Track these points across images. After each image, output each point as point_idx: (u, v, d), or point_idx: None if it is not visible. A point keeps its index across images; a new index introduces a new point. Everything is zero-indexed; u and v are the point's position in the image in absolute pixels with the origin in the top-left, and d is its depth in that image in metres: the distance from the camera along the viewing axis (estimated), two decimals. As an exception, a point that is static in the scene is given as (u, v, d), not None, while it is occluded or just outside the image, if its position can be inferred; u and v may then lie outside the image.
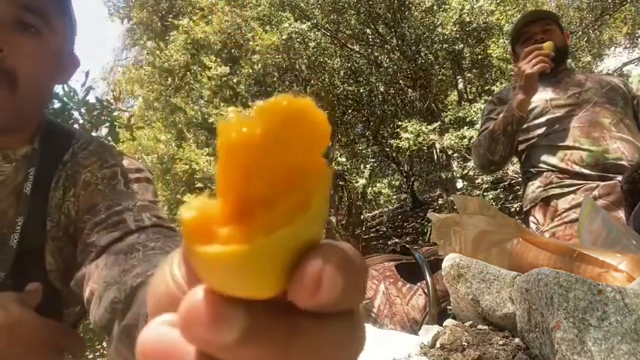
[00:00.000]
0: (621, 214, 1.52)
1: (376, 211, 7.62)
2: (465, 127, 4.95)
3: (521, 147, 1.95)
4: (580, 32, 6.28)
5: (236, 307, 0.16)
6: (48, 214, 0.75)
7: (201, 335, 0.16)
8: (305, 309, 0.17)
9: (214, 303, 0.16)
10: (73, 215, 0.75)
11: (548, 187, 1.80)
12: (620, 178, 1.56)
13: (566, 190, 1.75)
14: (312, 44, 6.20)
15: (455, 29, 5.47)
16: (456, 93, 6.76)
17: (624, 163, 1.67)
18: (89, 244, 0.65)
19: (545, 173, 1.83)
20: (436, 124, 5.12)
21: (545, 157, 1.84)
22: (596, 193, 1.69)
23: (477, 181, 5.80)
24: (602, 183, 1.69)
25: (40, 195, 0.75)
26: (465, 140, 4.85)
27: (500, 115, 1.80)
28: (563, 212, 1.73)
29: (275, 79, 6.63)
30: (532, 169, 1.89)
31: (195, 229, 0.16)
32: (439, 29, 5.58)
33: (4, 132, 0.72)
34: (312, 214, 0.16)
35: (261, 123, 0.16)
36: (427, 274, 1.54)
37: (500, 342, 0.93)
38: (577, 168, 1.74)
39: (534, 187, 1.85)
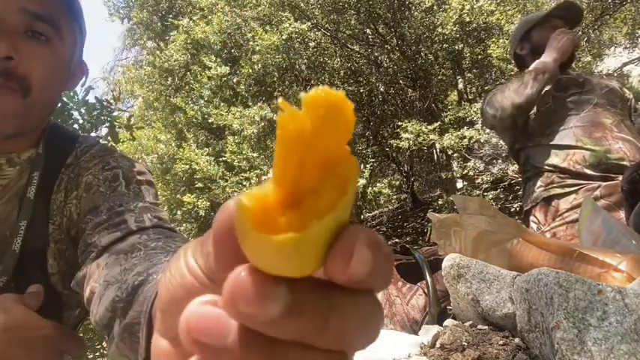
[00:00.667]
0: (623, 214, 1.52)
1: (376, 211, 7.62)
2: (465, 127, 4.94)
3: (519, 145, 1.95)
4: (580, 32, 6.28)
5: (279, 283, 0.17)
6: (50, 216, 0.76)
7: (247, 311, 0.17)
8: (339, 284, 0.18)
9: (259, 280, 0.17)
10: (75, 217, 0.75)
11: (550, 186, 1.80)
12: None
13: (567, 190, 1.75)
14: (312, 44, 6.20)
15: (455, 29, 5.47)
16: (456, 93, 6.76)
17: (626, 163, 1.67)
18: (90, 244, 0.65)
19: (546, 173, 1.83)
20: (436, 124, 5.12)
21: (546, 157, 1.83)
22: (597, 193, 1.69)
23: (477, 181, 5.80)
24: (604, 183, 1.69)
25: (42, 198, 0.75)
26: (465, 140, 4.85)
27: (529, 68, 1.79)
28: (564, 212, 1.73)
29: (275, 79, 6.63)
30: (532, 169, 1.89)
31: (254, 216, 0.17)
32: (439, 29, 5.58)
33: (12, 136, 0.73)
34: (348, 198, 0.18)
35: (310, 115, 0.17)
36: (427, 274, 1.54)
37: (500, 342, 0.93)
38: (579, 168, 1.74)
39: (535, 187, 1.85)
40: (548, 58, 1.77)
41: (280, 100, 0.17)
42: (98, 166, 0.78)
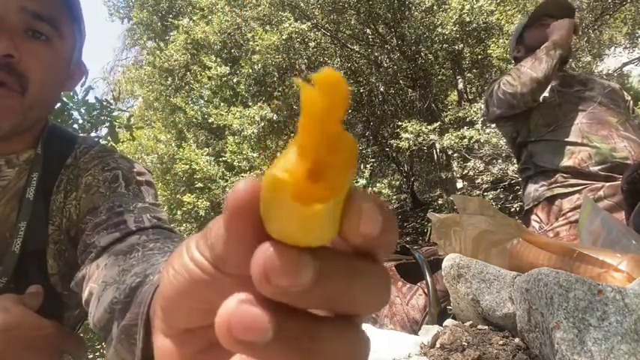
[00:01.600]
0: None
1: (376, 211, 7.59)
2: (465, 127, 4.95)
3: (521, 139, 1.93)
4: (580, 32, 6.27)
5: (304, 252, 0.19)
6: (50, 217, 0.75)
7: (281, 283, 0.18)
8: (353, 253, 0.20)
9: (286, 252, 0.18)
10: (74, 218, 0.75)
11: (553, 186, 1.79)
12: (625, 178, 1.56)
13: (570, 189, 1.75)
14: (312, 44, 6.20)
15: (455, 29, 5.47)
16: (456, 93, 6.76)
17: (630, 162, 1.67)
18: (90, 245, 0.65)
19: (548, 172, 1.82)
20: (436, 124, 5.12)
21: (551, 155, 1.82)
22: (601, 193, 1.68)
23: (477, 181, 5.80)
24: (608, 184, 1.68)
25: (42, 199, 0.75)
26: (465, 140, 4.85)
27: (541, 47, 1.80)
28: (567, 212, 1.72)
29: (275, 79, 6.62)
30: (535, 167, 1.87)
31: (292, 187, 0.18)
32: (439, 29, 5.58)
33: (9, 135, 0.73)
34: (354, 170, 0.19)
35: (324, 93, 0.18)
36: (427, 274, 1.54)
37: (500, 342, 0.93)
38: (585, 166, 1.74)
39: (537, 186, 1.84)
40: (555, 36, 1.78)
41: (298, 79, 0.19)
42: (98, 167, 0.78)
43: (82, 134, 2.84)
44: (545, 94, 1.86)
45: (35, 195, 0.74)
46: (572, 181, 1.75)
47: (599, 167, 1.72)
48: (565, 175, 1.77)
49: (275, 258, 0.18)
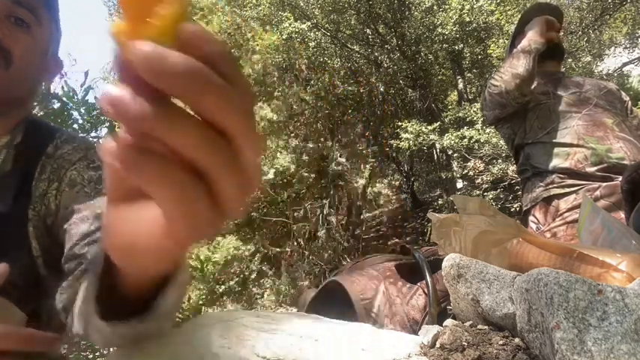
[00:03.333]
0: (623, 214, 1.52)
1: (376, 211, 7.62)
2: (465, 127, 4.95)
3: (518, 140, 1.94)
4: (580, 32, 6.28)
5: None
6: (31, 202, 0.75)
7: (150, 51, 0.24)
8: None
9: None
10: (52, 208, 0.75)
11: (549, 186, 1.79)
12: (622, 178, 1.56)
13: (567, 190, 1.75)
14: (312, 44, 6.21)
15: (455, 29, 5.48)
16: (456, 93, 6.76)
17: (626, 163, 1.67)
18: (80, 256, 0.65)
19: (545, 173, 1.82)
20: (436, 124, 5.12)
21: (547, 156, 1.83)
22: (598, 193, 1.68)
23: (476, 181, 5.81)
24: (605, 183, 1.68)
25: (23, 182, 0.75)
26: (465, 140, 4.85)
27: (517, 47, 1.85)
28: (564, 212, 1.72)
29: (275, 79, 6.63)
30: (532, 169, 1.88)
31: (122, 33, 0.26)
32: (439, 29, 5.59)
33: None
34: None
35: None
36: (427, 274, 1.54)
37: (500, 342, 0.93)
38: (581, 167, 1.74)
39: (535, 187, 1.85)
40: (529, 34, 1.84)
41: None
42: (83, 162, 0.78)
43: (81, 134, 2.84)
44: (541, 95, 1.86)
45: (18, 179, 0.74)
46: (569, 181, 1.75)
47: (596, 168, 1.72)
48: (561, 175, 1.78)
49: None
